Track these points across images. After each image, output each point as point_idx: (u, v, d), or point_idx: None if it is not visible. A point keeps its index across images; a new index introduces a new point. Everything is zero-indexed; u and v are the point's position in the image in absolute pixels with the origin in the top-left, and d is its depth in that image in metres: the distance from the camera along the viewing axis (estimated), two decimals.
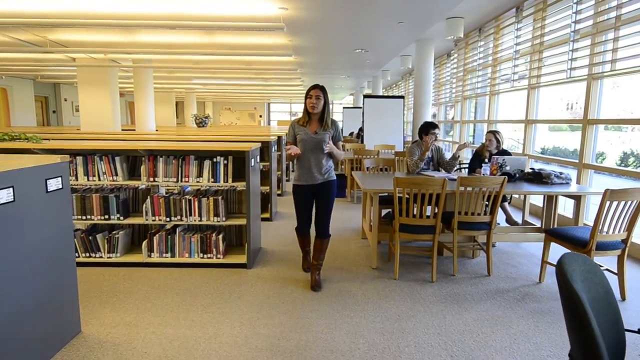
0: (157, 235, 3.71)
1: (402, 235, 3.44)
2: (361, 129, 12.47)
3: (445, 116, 11.70)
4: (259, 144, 4.05)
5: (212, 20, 5.52)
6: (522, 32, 6.28)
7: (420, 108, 8.64)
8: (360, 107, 17.88)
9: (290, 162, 5.09)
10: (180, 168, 3.61)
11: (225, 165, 3.62)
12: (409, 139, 10.20)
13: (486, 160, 4.74)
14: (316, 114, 3.13)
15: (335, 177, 3.30)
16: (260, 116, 24.75)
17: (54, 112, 15.43)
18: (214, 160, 3.61)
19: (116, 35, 6.60)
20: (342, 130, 16.08)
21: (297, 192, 3.26)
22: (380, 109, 9.02)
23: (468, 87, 8.78)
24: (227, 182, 3.63)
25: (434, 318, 2.83)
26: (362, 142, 9.26)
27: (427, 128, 4.56)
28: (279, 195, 7.09)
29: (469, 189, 3.44)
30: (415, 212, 3.39)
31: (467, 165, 6.14)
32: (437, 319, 2.82)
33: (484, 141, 4.92)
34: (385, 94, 17.65)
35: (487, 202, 3.62)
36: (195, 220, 3.66)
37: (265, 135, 6.31)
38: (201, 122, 12.39)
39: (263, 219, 5.32)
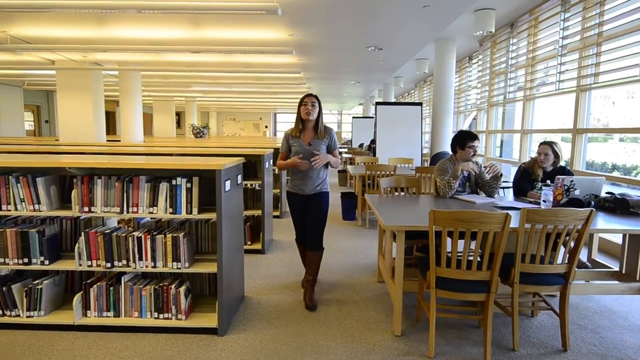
0: (94, 286, 2.68)
1: (440, 292, 2.36)
2: (373, 141, 11.41)
3: (463, 125, 10.60)
4: (241, 160, 3.01)
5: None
6: (570, 23, 5.21)
7: (441, 116, 7.58)
8: (371, 117, 16.86)
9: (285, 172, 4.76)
10: (125, 193, 2.58)
11: (189, 190, 2.58)
12: (427, 151, 9.13)
13: (539, 180, 3.65)
14: (311, 121, 3.09)
15: (328, 190, 3.23)
16: (266, 127, 23.86)
17: (46, 121, 14.65)
18: (173, 182, 2.57)
19: (92, 31, 5.68)
20: (351, 141, 14.99)
21: (290, 200, 3.23)
22: (394, 118, 7.98)
23: (495, 92, 7.70)
24: (190, 212, 2.59)
25: None
26: (374, 154, 8.19)
27: (464, 139, 3.50)
28: (276, 217, 6.04)
29: (538, 226, 2.35)
30: (454, 257, 2.30)
31: (506, 184, 5.05)
32: None
33: (533, 155, 3.84)
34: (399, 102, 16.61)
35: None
36: (147, 267, 2.62)
37: (261, 148, 5.29)
38: (199, 133, 11.45)
39: (252, 252, 4.26)
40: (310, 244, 3.13)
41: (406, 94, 17.33)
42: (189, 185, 2.57)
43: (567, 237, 2.39)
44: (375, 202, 3.26)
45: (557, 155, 3.60)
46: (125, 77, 8.06)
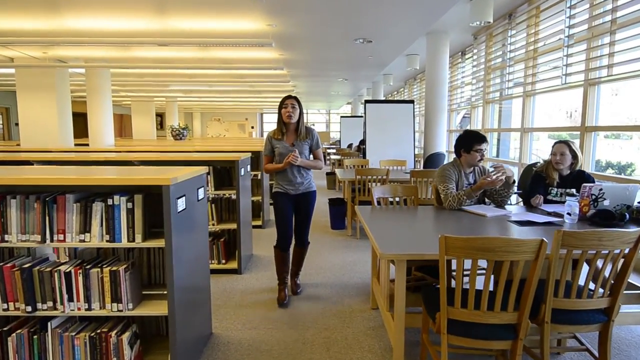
0: (13, 335, 2.10)
1: (453, 339, 1.83)
2: (362, 141, 10.89)
3: (456, 124, 10.15)
4: (202, 170, 2.45)
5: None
6: (578, 11, 4.75)
7: (434, 114, 7.10)
8: (360, 116, 16.36)
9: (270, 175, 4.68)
10: (47, 217, 2.01)
11: (130, 211, 2.02)
12: (421, 151, 8.65)
13: (555, 184, 3.16)
14: (292, 123, 3.11)
15: (315, 188, 3.26)
16: (252, 127, 23.20)
17: (16, 124, 13.81)
18: (109, 202, 2.01)
19: (46, 22, 5.05)
20: (339, 142, 14.48)
21: (277, 199, 3.19)
22: (385, 117, 7.48)
23: (491, 88, 7.25)
24: (132, 239, 2.03)
25: None
26: (364, 156, 7.68)
27: (470, 142, 2.99)
28: (258, 227, 5.48)
29: (575, 251, 1.85)
30: (472, 294, 1.78)
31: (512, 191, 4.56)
32: None
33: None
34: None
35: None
36: (80, 309, 2.06)
37: (237, 152, 4.73)
38: (178, 135, 10.81)
39: (226, 272, 3.71)
40: (299, 241, 3.28)
41: (395, 92, 16.87)
42: (130, 205, 2.01)
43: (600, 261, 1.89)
44: (367, 216, 2.72)
45: (575, 156, 3.11)
46: (92, 75, 7.40)
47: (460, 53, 8.99)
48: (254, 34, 4.84)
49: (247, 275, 3.77)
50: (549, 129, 6.15)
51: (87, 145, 7.77)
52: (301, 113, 3.14)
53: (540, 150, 6.50)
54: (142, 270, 2.35)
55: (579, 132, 4.79)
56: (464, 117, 10.67)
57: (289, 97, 3.12)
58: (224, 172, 4.05)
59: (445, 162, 7.77)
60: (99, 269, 2.04)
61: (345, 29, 5.37)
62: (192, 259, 2.28)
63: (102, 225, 2.02)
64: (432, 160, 6.73)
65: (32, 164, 3.67)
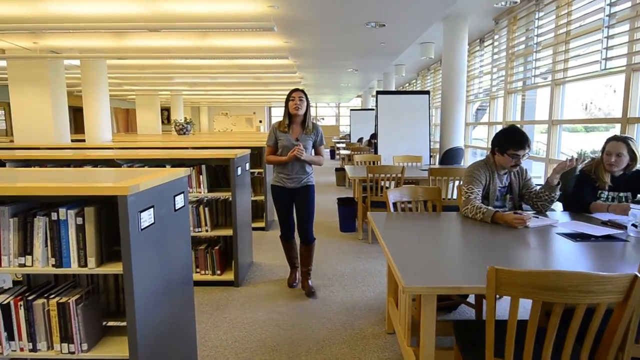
0: None
1: None
2: (373, 135, 10.37)
3: (473, 117, 9.58)
4: (178, 173, 2.00)
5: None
6: None
7: (451, 106, 6.56)
8: (371, 109, 15.82)
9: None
10: None
11: (80, 227, 1.58)
12: (437, 146, 8.13)
13: (606, 187, 2.65)
14: (299, 116, 3.10)
15: (313, 183, 3.24)
16: (260, 121, 22.76)
17: None
18: (53, 217, 1.57)
19: (35, 6, 4.63)
20: (349, 136, 14.00)
21: (275, 192, 3.20)
22: (398, 109, 6.96)
23: (514, 77, 6.68)
24: (84, 264, 1.59)
25: None
26: (375, 151, 7.18)
27: (506, 143, 2.50)
28: (260, 229, 5.05)
29: None
30: (530, 345, 1.31)
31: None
32: None
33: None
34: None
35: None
36: (24, 349, 1.63)
37: (236, 147, 4.29)
38: (182, 129, 10.40)
39: (221, 284, 3.28)
40: (303, 238, 3.22)
41: (407, 84, 16.28)
42: (80, 220, 1.57)
43: None
44: (382, 226, 2.25)
45: (634, 157, 2.59)
46: (87, 67, 7.00)
47: (478, 40, 8.40)
48: (254, 17, 4.37)
49: (244, 288, 3.34)
50: (583, 121, 5.60)
51: (84, 141, 7.40)
52: (308, 107, 3.12)
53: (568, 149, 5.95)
54: (108, 295, 1.92)
55: (616, 125, 4.25)
56: (478, 109, 10.09)
57: (297, 90, 3.10)
58: (219, 171, 3.60)
59: (465, 158, 7.28)
60: (44, 300, 1.61)
61: (355, 10, 4.87)
62: (165, 286, 1.84)
63: (46, 245, 1.59)
64: (449, 156, 6.22)
65: (5, 165, 3.27)
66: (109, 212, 1.65)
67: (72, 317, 1.61)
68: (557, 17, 5.32)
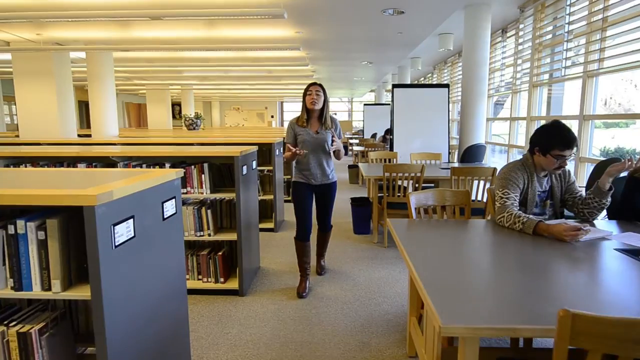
0: None
1: None
2: (388, 131, 10.01)
3: (494, 112, 9.14)
4: (170, 176, 1.72)
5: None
6: None
7: (472, 100, 6.18)
8: (385, 104, 15.41)
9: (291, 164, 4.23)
10: None
11: (43, 243, 1.31)
12: (455, 142, 7.75)
13: None
14: (316, 111, 3.04)
15: (336, 179, 3.21)
16: (272, 116, 22.49)
17: None
18: (10, 230, 1.30)
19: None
20: (362, 131, 13.69)
21: (297, 189, 3.12)
22: (415, 103, 6.60)
23: (542, 68, 6.26)
24: (48, 287, 1.32)
25: None
26: (390, 147, 6.84)
27: (551, 142, 2.16)
28: (268, 230, 4.77)
29: None
30: None
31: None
32: None
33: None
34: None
35: None
36: None
37: (241, 144, 4.01)
38: (191, 124, 10.19)
39: (225, 293, 3.01)
40: (321, 227, 3.32)
41: (422, 78, 15.82)
42: (41, 234, 1.29)
43: None
44: (404, 236, 1.94)
45: None
46: (93, 59, 6.79)
47: (500, 31, 7.97)
48: (263, 4, 4.07)
49: (250, 299, 3.06)
50: (620, 116, 5.18)
51: (90, 135, 7.22)
52: (326, 101, 3.07)
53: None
54: (86, 315, 1.65)
55: (637, 120, 3.84)
56: (496, 103, 9.64)
57: (314, 83, 3.06)
58: (224, 170, 3.32)
59: (485, 155, 6.91)
60: (4, 328, 1.34)
61: None
62: (150, 307, 1.57)
63: (4, 264, 1.32)
64: (470, 153, 5.85)
65: None
66: (80, 222, 1.38)
67: (35, 350, 1.34)
68: (590, 2, 4.90)
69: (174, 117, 17.74)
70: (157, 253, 1.60)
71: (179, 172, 1.80)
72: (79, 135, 7.32)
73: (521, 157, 2.34)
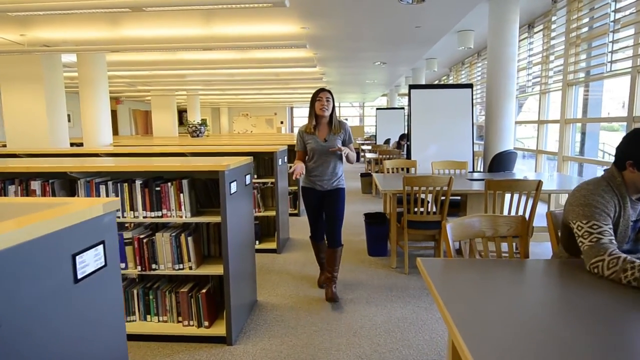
0: None
1: None
2: (404, 136, 9.33)
3: (519, 113, 8.44)
4: (98, 208, 1.12)
5: None
6: None
7: (499, 101, 5.53)
8: (399, 108, 14.75)
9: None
10: None
11: None
12: (480, 149, 7.06)
13: None
14: (325, 117, 3.05)
15: (344, 186, 3.17)
16: (282, 122, 21.96)
17: None
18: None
19: None
20: (375, 137, 13.00)
21: (305, 194, 3.16)
22: (434, 105, 5.95)
23: (578, 65, 5.58)
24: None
25: None
26: (407, 155, 6.20)
27: None
28: (270, 252, 4.16)
29: None
30: None
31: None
32: None
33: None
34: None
35: None
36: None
37: (232, 154, 3.41)
38: (195, 131, 9.68)
39: (211, 340, 2.40)
40: (330, 241, 3.11)
41: (437, 81, 15.14)
42: None
43: None
44: (441, 286, 1.31)
45: None
46: (84, 62, 6.30)
47: (527, 26, 7.30)
48: None
49: (239, 348, 2.45)
50: None
51: (81, 144, 6.73)
52: (334, 107, 3.08)
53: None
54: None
55: None
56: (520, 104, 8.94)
57: (323, 89, 3.04)
58: (211, 187, 2.73)
59: (514, 163, 6.27)
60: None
61: None
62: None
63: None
64: (500, 161, 5.17)
65: None
66: None
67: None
68: None
69: (181, 123, 17.35)
70: (58, 338, 1.00)
71: (111, 204, 1.20)
72: (72, 145, 6.84)
73: (601, 174, 1.69)
